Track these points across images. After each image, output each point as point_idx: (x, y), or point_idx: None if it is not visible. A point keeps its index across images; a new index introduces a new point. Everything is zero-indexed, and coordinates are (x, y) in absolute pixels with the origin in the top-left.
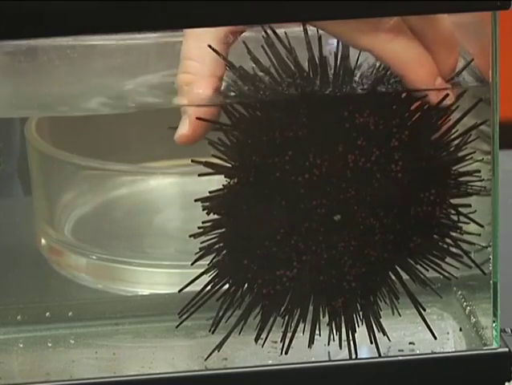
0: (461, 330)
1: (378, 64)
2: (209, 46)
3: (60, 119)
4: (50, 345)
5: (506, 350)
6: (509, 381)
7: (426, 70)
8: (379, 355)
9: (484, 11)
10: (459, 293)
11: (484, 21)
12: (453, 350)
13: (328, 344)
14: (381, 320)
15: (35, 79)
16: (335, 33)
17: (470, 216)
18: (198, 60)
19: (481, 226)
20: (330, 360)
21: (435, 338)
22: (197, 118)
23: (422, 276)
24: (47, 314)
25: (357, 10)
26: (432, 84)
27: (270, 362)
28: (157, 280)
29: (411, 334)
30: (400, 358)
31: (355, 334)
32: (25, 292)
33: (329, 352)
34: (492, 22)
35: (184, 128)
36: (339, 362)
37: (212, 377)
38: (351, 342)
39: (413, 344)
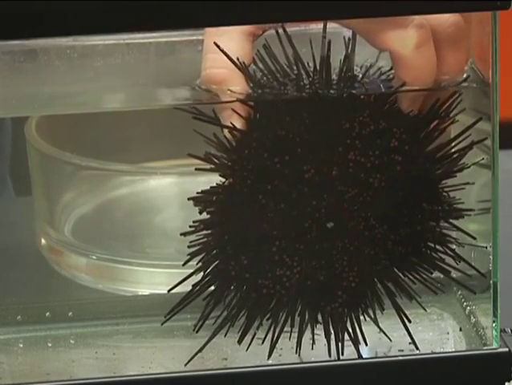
0: (461, 330)
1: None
2: (214, 44)
3: (60, 119)
4: (50, 345)
5: (506, 350)
6: (509, 381)
7: (429, 73)
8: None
9: (484, 11)
10: (459, 293)
11: (484, 21)
12: (453, 350)
13: (329, 352)
14: (381, 320)
15: (35, 79)
16: (356, 29)
17: (470, 215)
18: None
19: (474, 238)
20: (330, 360)
21: (417, 348)
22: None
23: (422, 279)
24: (47, 314)
25: (356, 10)
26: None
27: (270, 362)
28: (157, 280)
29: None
30: (400, 358)
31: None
32: (25, 292)
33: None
34: (492, 22)
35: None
36: (340, 362)
37: (212, 377)
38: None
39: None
